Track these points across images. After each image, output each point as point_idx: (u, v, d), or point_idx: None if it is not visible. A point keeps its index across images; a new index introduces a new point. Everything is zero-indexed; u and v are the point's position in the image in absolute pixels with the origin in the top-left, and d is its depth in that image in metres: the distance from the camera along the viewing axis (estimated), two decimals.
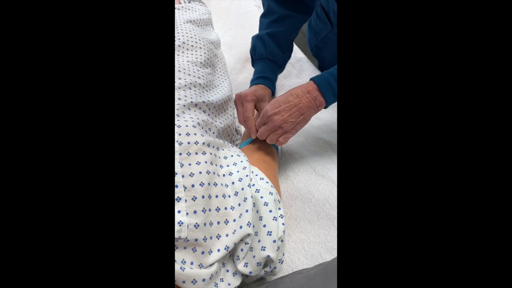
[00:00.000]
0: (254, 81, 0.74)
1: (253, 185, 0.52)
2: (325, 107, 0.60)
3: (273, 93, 0.75)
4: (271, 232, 0.47)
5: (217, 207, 0.46)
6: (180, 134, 0.48)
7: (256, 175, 0.54)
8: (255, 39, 0.77)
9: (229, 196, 0.49)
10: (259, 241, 0.47)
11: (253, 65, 0.79)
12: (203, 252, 0.43)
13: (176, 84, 0.59)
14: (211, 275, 0.42)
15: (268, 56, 0.75)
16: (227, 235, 0.46)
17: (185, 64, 0.66)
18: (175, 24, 0.77)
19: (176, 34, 0.74)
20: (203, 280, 0.41)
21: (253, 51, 0.77)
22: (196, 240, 0.42)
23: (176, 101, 0.56)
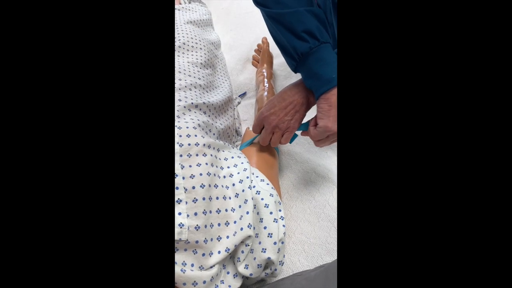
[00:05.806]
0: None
1: (254, 186, 0.52)
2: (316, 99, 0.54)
3: None
4: (271, 234, 0.47)
5: (218, 209, 0.46)
6: (180, 136, 0.48)
7: (257, 176, 0.54)
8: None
9: (230, 198, 0.49)
10: (259, 243, 0.47)
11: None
12: (203, 254, 0.43)
13: (177, 85, 0.59)
14: (212, 277, 0.42)
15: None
16: (227, 237, 0.46)
17: (185, 65, 0.66)
18: (175, 25, 0.77)
19: (176, 35, 0.74)
20: (204, 282, 0.41)
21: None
22: (196, 242, 0.42)
23: (177, 102, 0.56)
